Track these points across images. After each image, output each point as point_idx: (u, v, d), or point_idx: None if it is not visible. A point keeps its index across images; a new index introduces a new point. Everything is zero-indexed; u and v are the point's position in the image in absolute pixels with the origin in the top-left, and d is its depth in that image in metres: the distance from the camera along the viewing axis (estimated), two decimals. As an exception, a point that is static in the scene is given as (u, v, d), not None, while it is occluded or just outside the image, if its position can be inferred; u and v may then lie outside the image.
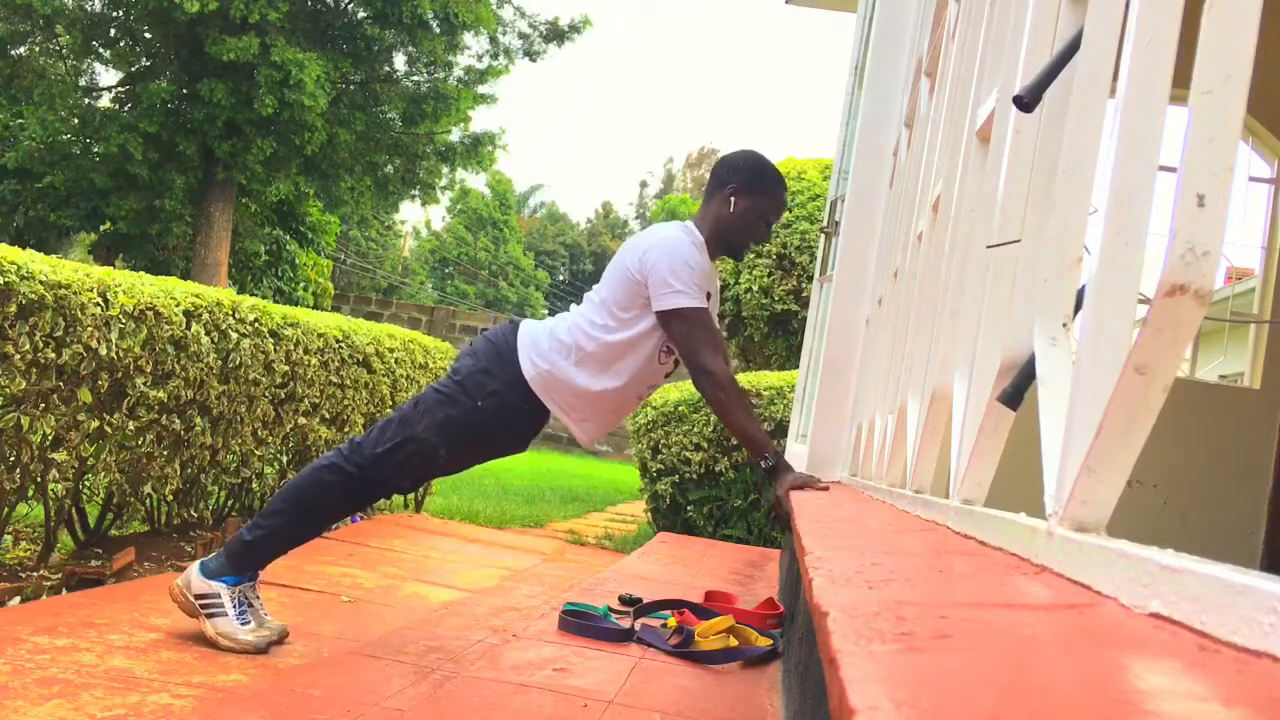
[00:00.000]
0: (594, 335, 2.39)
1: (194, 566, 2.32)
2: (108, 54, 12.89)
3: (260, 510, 2.39)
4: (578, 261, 39.16)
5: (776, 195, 2.52)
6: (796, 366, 6.21)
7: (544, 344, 2.40)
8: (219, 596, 2.28)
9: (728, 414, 2.37)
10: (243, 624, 2.28)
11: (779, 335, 9.22)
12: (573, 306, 2.51)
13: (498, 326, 2.52)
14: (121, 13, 12.60)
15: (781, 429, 5.35)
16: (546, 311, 33.27)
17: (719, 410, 2.38)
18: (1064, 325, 0.88)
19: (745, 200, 2.46)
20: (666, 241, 2.39)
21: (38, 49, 12.55)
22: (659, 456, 5.60)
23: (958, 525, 1.04)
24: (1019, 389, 0.96)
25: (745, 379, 5.90)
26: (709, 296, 2.43)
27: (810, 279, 8.16)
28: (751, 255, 9.09)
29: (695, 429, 5.55)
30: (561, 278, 38.02)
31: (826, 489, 2.28)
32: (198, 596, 2.29)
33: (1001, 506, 0.98)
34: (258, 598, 2.37)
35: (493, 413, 2.37)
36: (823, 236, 4.12)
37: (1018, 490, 1.16)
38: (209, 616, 2.28)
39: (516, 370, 2.38)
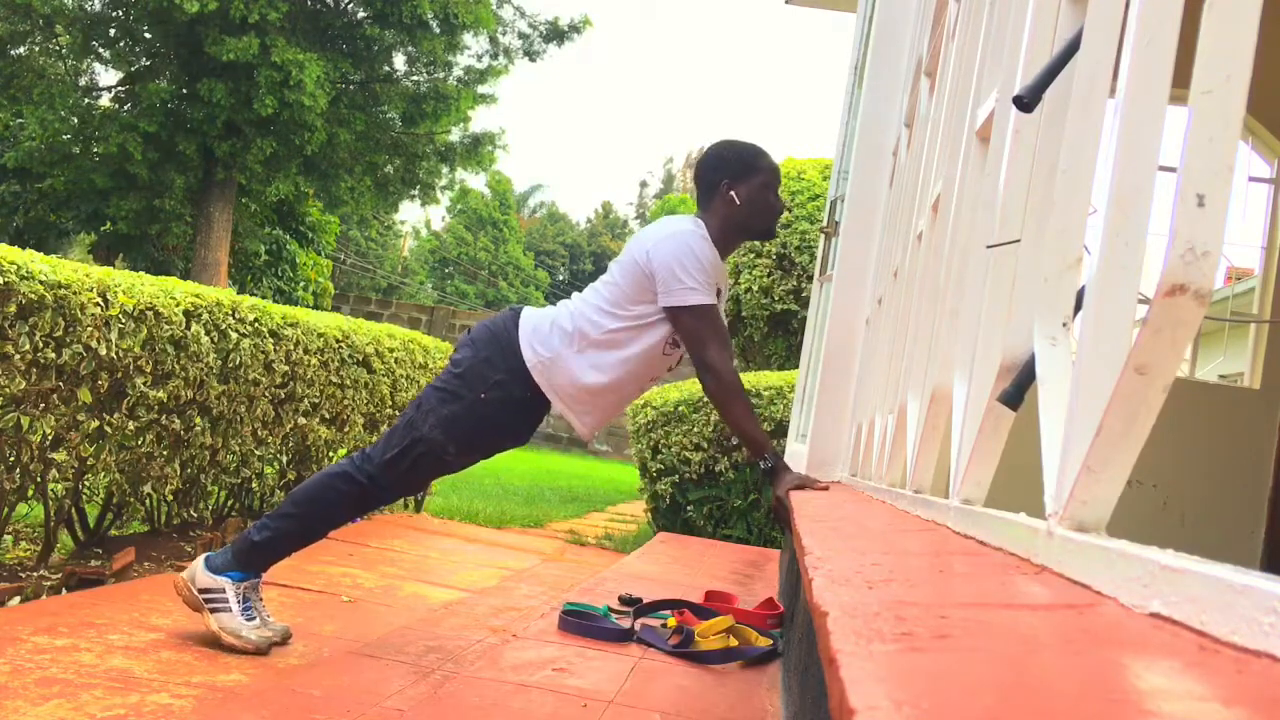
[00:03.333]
0: (599, 323, 2.36)
1: (199, 561, 2.32)
2: (108, 54, 12.89)
3: (269, 512, 2.38)
4: (578, 261, 39.14)
5: (768, 165, 2.50)
6: (796, 366, 6.21)
7: (545, 331, 2.37)
8: (224, 591, 2.28)
9: (729, 411, 2.36)
10: (247, 620, 2.28)
11: (779, 335, 9.22)
12: (575, 295, 2.48)
13: (497, 315, 2.47)
14: (121, 13, 12.60)
15: (781, 429, 5.35)
16: (546, 301, 33.26)
17: (720, 407, 2.37)
18: (1064, 325, 0.88)
19: (744, 187, 2.45)
20: (677, 236, 2.36)
21: (38, 49, 12.55)
22: (659, 456, 5.60)
23: (958, 525, 1.04)
24: (1019, 389, 0.96)
25: (745, 379, 5.90)
26: (718, 293, 2.42)
27: (810, 279, 8.16)
28: (751, 255, 9.10)
29: (695, 429, 5.54)
30: (561, 278, 38.01)
31: (826, 489, 2.28)
32: (202, 590, 2.29)
33: (1001, 506, 0.98)
34: (260, 598, 2.37)
35: (496, 404, 2.34)
36: (823, 236, 4.12)
37: (1018, 490, 1.16)
38: (213, 611, 2.27)
39: (518, 359, 2.35)
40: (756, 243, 9.12)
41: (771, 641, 2.55)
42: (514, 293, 32.18)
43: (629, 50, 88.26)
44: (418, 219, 49.46)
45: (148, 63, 13.00)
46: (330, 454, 4.45)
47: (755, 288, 9.05)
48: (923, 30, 2.83)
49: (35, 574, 2.84)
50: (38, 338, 2.52)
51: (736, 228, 2.47)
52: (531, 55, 14.43)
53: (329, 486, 2.36)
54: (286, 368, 3.71)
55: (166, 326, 2.98)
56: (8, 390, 2.49)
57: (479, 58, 14.27)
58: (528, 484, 8.63)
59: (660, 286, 2.33)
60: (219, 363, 3.28)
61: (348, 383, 4.24)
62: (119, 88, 13.26)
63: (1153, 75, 0.68)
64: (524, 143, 75.56)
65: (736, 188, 2.45)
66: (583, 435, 2.49)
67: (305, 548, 2.44)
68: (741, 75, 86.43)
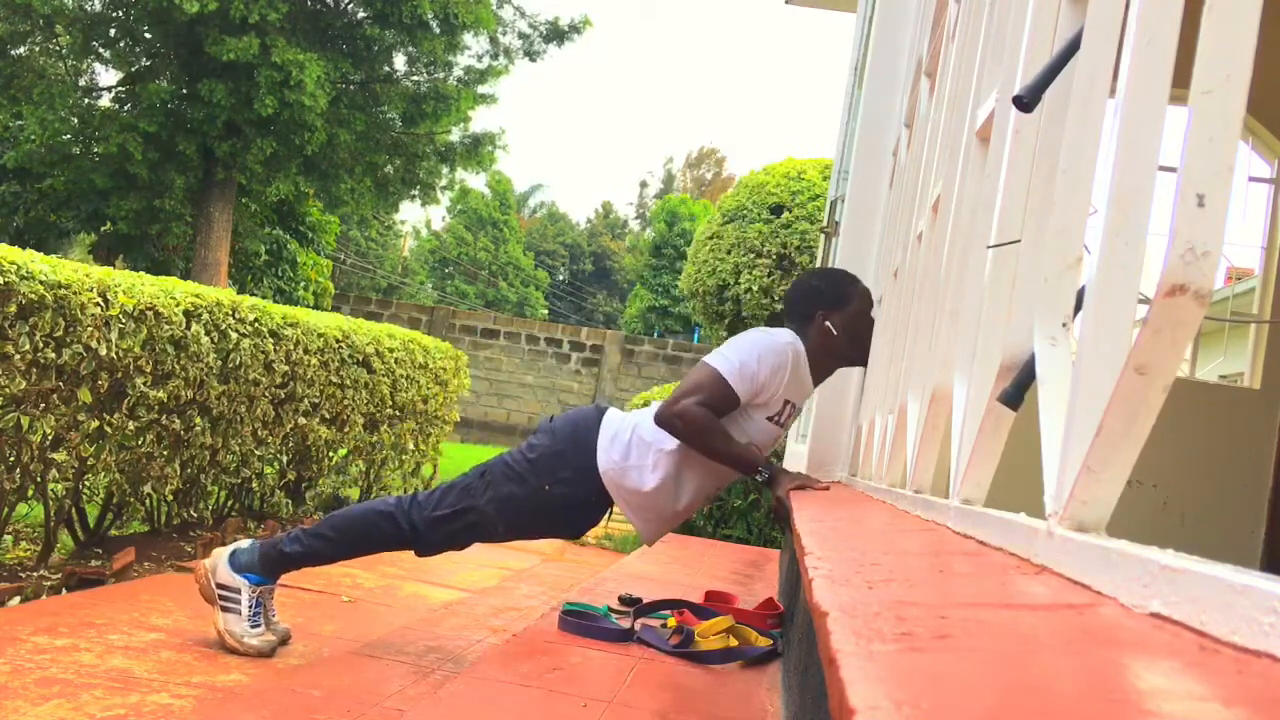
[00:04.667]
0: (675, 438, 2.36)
1: (224, 554, 2.33)
2: (108, 54, 12.89)
3: (306, 527, 2.39)
4: (578, 261, 39.14)
5: (861, 291, 2.53)
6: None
7: (625, 439, 2.38)
8: (239, 593, 2.29)
9: (705, 448, 2.34)
10: (252, 626, 2.29)
11: (779, 335, 9.21)
12: (655, 403, 2.48)
13: (583, 410, 2.48)
14: (121, 13, 12.60)
15: (781, 429, 5.35)
16: (547, 313, 33.27)
17: (696, 447, 2.34)
18: (1064, 325, 0.88)
19: (840, 317, 2.46)
20: (771, 338, 2.39)
21: (38, 49, 12.55)
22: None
23: (958, 525, 1.04)
24: (1019, 389, 0.96)
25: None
26: (789, 405, 2.43)
27: (810, 279, 8.14)
28: (751, 255, 9.10)
29: (695, 429, 5.54)
30: (561, 278, 38.00)
31: (826, 489, 2.28)
32: (220, 586, 2.30)
33: (1001, 506, 0.98)
34: (271, 598, 2.38)
35: (559, 499, 2.36)
36: (823, 236, 4.12)
37: (1018, 490, 1.16)
38: (223, 610, 2.29)
39: (592, 460, 2.36)
40: (756, 242, 9.14)
41: (771, 641, 2.55)
42: (514, 293, 32.17)
43: (629, 50, 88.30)
44: (418, 219, 49.53)
45: (148, 63, 12.99)
46: (330, 454, 4.45)
47: (755, 288, 9.04)
48: (923, 30, 2.83)
49: (35, 574, 2.84)
50: (38, 338, 2.52)
51: (834, 356, 2.49)
52: (531, 55, 14.43)
53: (371, 523, 2.36)
54: (286, 368, 3.71)
55: (166, 326, 2.98)
56: (8, 390, 2.49)
57: (479, 58, 14.27)
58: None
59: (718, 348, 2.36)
60: (219, 363, 3.28)
61: (348, 383, 4.24)
62: (119, 88, 13.26)
63: (1153, 75, 0.68)
64: (524, 143, 75.52)
65: (832, 318, 2.46)
66: (645, 540, 2.52)
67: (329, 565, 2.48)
68: (741, 75, 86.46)
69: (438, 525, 2.35)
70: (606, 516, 2.49)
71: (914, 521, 1.27)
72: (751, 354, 2.35)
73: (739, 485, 5.41)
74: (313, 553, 2.35)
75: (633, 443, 2.37)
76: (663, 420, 2.32)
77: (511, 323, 16.79)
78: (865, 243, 3.36)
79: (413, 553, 2.43)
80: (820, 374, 2.50)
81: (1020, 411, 0.99)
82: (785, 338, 2.41)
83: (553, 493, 2.34)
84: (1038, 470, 0.79)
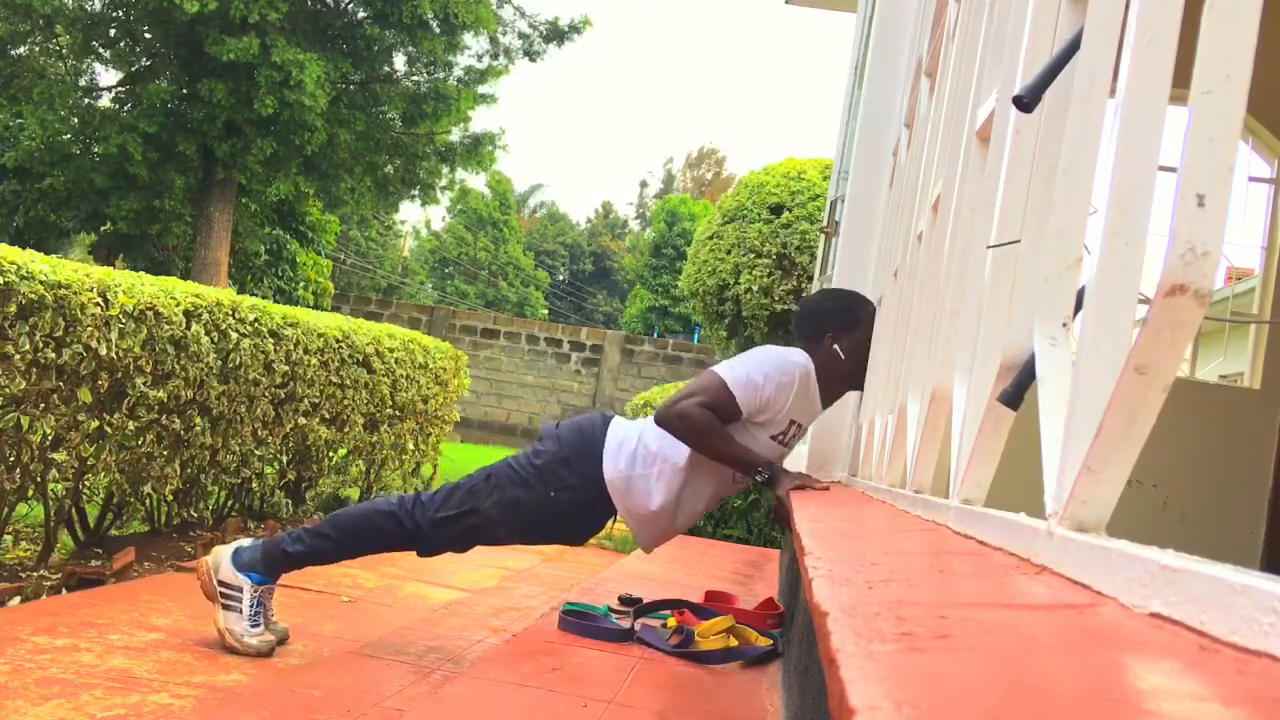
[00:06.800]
0: (681, 448, 2.37)
1: (227, 551, 2.33)
2: (108, 54, 12.89)
3: (308, 526, 2.40)
4: (578, 261, 39.13)
5: (868, 315, 2.53)
6: (796, 366, 6.21)
7: (630, 448, 2.38)
8: (241, 592, 2.29)
9: (706, 448, 2.36)
10: (252, 626, 2.29)
11: (779, 335, 9.21)
12: None
13: (589, 416, 2.49)
14: (121, 13, 12.60)
15: (781, 429, 5.35)
16: (547, 313, 33.27)
17: (697, 447, 2.37)
18: (1064, 325, 0.88)
19: (848, 340, 2.47)
20: (778, 358, 2.39)
21: (38, 49, 12.55)
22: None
23: (958, 525, 1.04)
24: (1019, 389, 0.96)
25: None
26: (794, 425, 2.43)
27: (810, 279, 8.16)
28: (751, 255, 9.10)
29: (695, 429, 5.54)
30: (561, 278, 38.00)
31: (826, 489, 2.28)
32: (222, 583, 2.30)
33: (1001, 506, 0.98)
34: (271, 598, 2.38)
35: (564, 505, 2.37)
36: (823, 236, 4.12)
37: (1018, 490, 1.16)
38: (224, 608, 2.29)
39: (597, 468, 2.37)
40: (756, 242, 9.14)
41: (771, 641, 2.55)
42: (514, 293, 32.17)
43: (629, 50, 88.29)
44: (418, 219, 49.47)
45: (148, 63, 12.99)
46: (330, 454, 4.44)
47: (755, 288, 9.04)
48: (923, 30, 2.83)
49: (35, 574, 2.84)
50: (38, 338, 2.52)
51: (840, 380, 2.49)
52: (531, 55, 14.43)
53: (374, 523, 2.37)
54: (286, 368, 3.71)
55: (166, 326, 2.98)
56: (8, 390, 2.49)
57: (479, 58, 14.28)
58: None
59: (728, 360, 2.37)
60: (219, 363, 3.28)
61: (348, 383, 4.24)
62: (119, 88, 13.26)
63: (1153, 75, 0.68)
64: (524, 143, 75.47)
65: (841, 341, 2.46)
66: (644, 549, 2.55)
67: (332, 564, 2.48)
68: (741, 75, 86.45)
69: (441, 526, 2.35)
70: (611, 523, 2.50)
71: (914, 521, 1.27)
72: (759, 369, 2.35)
73: (739, 485, 5.41)
74: (315, 552, 2.36)
75: (638, 452, 2.38)
76: (662, 420, 2.33)
77: (511, 323, 16.79)
78: (865, 243, 3.36)
79: (414, 553, 2.43)
80: (828, 397, 2.50)
81: (1020, 411, 0.99)
82: (798, 358, 2.40)
83: (558, 499, 2.36)
84: (1038, 470, 0.79)
